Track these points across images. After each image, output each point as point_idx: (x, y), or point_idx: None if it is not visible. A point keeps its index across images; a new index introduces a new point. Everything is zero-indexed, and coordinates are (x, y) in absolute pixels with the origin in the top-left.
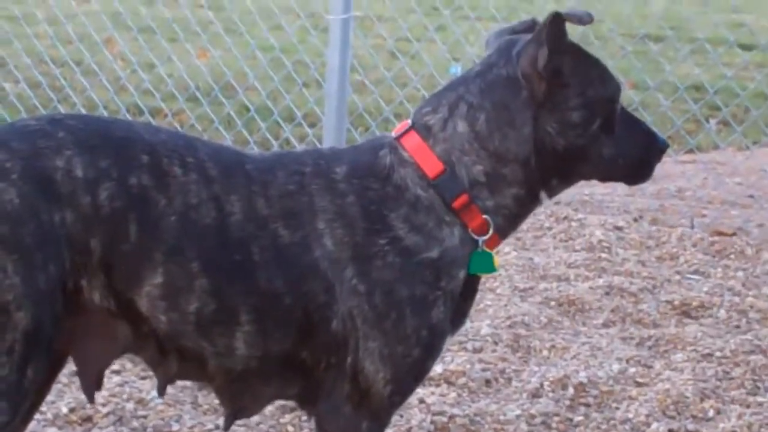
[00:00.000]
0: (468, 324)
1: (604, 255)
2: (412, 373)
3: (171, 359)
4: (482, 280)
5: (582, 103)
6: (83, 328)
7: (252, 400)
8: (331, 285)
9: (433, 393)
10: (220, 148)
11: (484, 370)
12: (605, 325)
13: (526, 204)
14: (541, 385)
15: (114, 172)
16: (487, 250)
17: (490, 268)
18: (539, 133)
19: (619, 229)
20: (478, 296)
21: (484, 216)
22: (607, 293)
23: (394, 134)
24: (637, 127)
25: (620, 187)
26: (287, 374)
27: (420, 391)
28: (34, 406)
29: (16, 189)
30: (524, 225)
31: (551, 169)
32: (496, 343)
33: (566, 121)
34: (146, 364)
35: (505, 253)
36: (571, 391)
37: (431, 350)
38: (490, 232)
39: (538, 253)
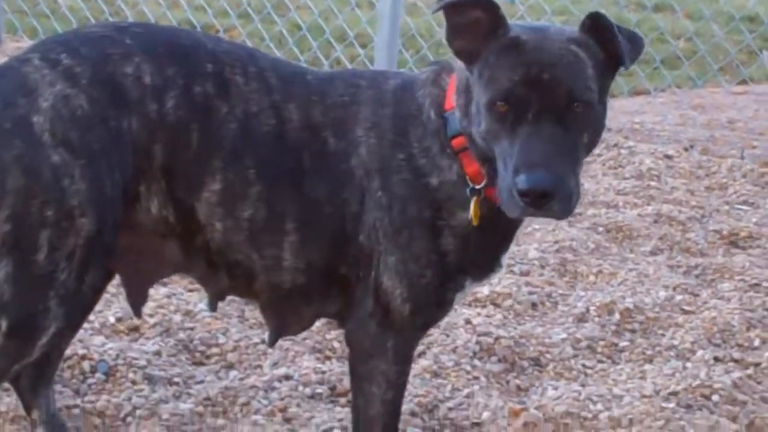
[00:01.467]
0: (515, 247)
1: (653, 183)
2: (429, 296)
3: (221, 275)
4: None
5: (477, 99)
6: (134, 248)
7: (295, 318)
8: (363, 195)
9: (479, 314)
10: (281, 60)
11: (530, 293)
12: (653, 252)
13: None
14: (587, 309)
15: (180, 79)
16: (487, 196)
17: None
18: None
19: (669, 157)
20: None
21: (479, 167)
22: (656, 221)
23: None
24: (509, 142)
25: (671, 116)
26: (328, 291)
27: (466, 312)
28: (86, 314)
29: (86, 95)
30: None
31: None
32: (543, 267)
33: (471, 113)
34: (197, 280)
35: None
36: (617, 316)
37: (444, 279)
38: (484, 182)
39: (587, 179)
